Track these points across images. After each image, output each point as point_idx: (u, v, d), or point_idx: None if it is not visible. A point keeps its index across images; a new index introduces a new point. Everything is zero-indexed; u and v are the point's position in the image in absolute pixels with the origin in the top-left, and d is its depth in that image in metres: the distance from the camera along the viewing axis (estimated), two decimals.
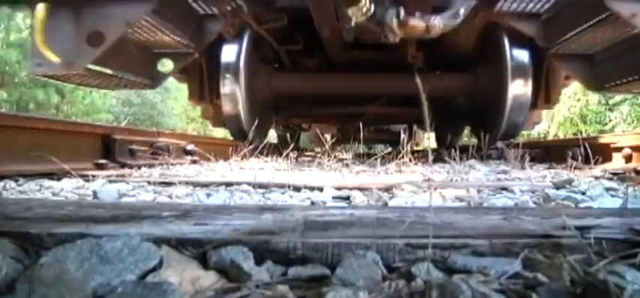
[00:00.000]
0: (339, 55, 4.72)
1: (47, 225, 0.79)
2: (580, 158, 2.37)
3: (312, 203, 1.61)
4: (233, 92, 4.17)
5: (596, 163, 2.37)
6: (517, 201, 1.59)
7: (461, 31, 3.49)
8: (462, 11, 2.64)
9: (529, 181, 1.81)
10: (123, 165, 2.81)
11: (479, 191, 1.82)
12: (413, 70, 4.60)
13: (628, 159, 2.74)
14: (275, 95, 5.09)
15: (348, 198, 1.68)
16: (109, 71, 3.06)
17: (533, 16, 3.49)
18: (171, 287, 0.54)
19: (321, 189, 1.82)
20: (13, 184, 1.78)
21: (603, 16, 2.73)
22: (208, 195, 1.69)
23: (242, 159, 3.75)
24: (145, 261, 0.63)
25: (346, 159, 2.73)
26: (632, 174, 2.27)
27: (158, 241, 0.73)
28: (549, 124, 17.92)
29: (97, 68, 2.89)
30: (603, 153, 2.83)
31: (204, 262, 0.71)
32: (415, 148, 8.25)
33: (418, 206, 1.48)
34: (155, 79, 3.69)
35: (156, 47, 3.52)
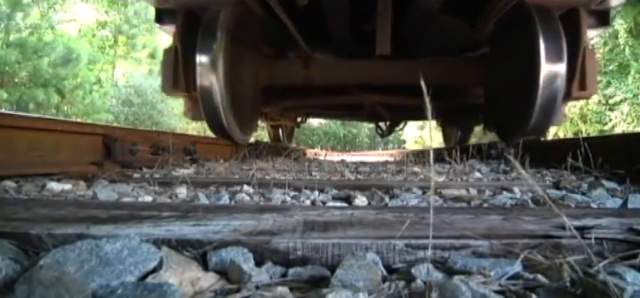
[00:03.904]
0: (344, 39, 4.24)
1: (47, 226, 0.79)
2: (580, 158, 2.38)
3: (312, 203, 1.61)
4: (210, 84, 3.37)
5: (596, 163, 2.37)
6: (517, 201, 1.59)
7: None
8: None
9: (529, 181, 1.80)
10: (123, 165, 2.81)
11: (479, 191, 1.82)
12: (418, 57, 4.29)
13: (628, 159, 2.73)
14: (263, 86, 4.39)
15: (347, 199, 1.68)
16: None
17: None
18: (171, 289, 0.54)
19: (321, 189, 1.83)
20: (12, 184, 1.78)
21: None
22: (208, 196, 1.69)
23: (242, 159, 3.75)
24: (144, 262, 0.63)
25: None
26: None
27: (158, 242, 0.73)
28: None
29: None
30: (603, 152, 2.83)
31: (204, 263, 0.71)
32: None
33: (418, 206, 1.48)
34: None
35: None
